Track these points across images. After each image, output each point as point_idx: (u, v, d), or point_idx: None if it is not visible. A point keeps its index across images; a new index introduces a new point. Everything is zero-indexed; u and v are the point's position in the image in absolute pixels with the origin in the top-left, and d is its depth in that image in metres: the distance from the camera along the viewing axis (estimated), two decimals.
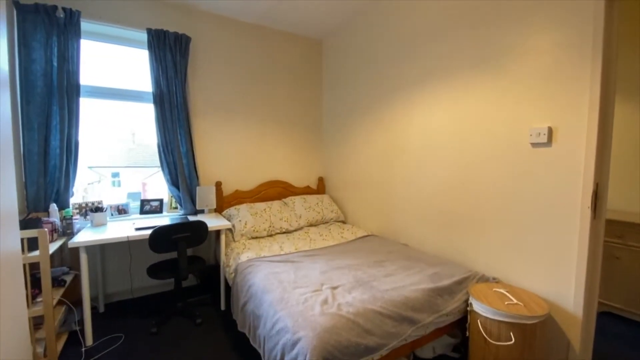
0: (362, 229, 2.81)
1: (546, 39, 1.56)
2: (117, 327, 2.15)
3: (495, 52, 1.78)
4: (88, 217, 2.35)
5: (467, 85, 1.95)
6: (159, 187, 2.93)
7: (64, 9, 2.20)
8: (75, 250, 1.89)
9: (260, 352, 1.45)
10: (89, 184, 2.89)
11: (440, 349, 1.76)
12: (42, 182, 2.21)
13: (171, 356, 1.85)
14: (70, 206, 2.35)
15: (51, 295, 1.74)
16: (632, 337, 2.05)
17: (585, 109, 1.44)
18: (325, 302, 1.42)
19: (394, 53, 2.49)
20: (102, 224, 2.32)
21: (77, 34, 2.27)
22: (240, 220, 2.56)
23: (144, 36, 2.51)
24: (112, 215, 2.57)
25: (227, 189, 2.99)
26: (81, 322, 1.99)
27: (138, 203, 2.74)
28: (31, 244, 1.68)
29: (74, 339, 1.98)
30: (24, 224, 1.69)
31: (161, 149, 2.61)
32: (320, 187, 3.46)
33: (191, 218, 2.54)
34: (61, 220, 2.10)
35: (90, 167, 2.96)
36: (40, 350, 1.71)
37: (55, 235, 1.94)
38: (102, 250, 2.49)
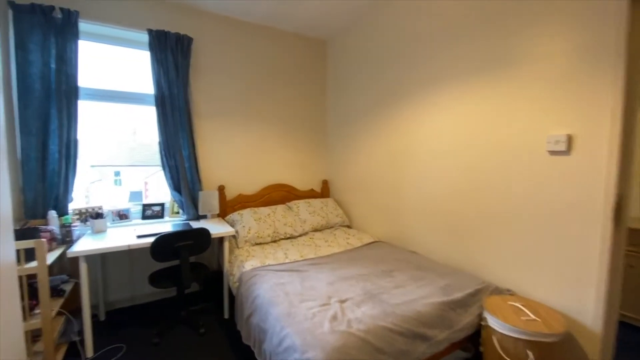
0: (368, 234, 2.75)
1: (563, 41, 1.48)
2: (118, 337, 2.10)
3: (509, 54, 1.70)
4: (88, 223, 2.30)
5: (479, 89, 1.88)
6: (160, 185, 2.88)
7: (61, 9, 2.13)
8: (75, 259, 1.83)
9: None
10: (91, 182, 2.85)
11: None
12: (41, 187, 2.15)
13: None
14: (70, 212, 2.29)
15: (49, 307, 1.68)
16: None
17: (607, 116, 1.37)
18: (334, 318, 1.36)
19: (402, 55, 2.42)
20: (103, 231, 2.27)
21: (75, 35, 2.21)
22: (243, 226, 2.50)
23: (144, 37, 2.44)
24: (112, 220, 2.51)
25: (230, 193, 2.93)
26: (81, 333, 1.93)
27: (139, 206, 2.68)
28: (29, 254, 1.62)
29: (74, 349, 1.93)
30: (21, 234, 1.63)
31: (163, 152, 2.55)
32: (324, 191, 3.40)
33: (194, 224, 2.48)
34: (60, 227, 2.03)
35: (92, 166, 2.91)
36: None
37: (54, 243, 1.88)
38: (102, 258, 2.44)
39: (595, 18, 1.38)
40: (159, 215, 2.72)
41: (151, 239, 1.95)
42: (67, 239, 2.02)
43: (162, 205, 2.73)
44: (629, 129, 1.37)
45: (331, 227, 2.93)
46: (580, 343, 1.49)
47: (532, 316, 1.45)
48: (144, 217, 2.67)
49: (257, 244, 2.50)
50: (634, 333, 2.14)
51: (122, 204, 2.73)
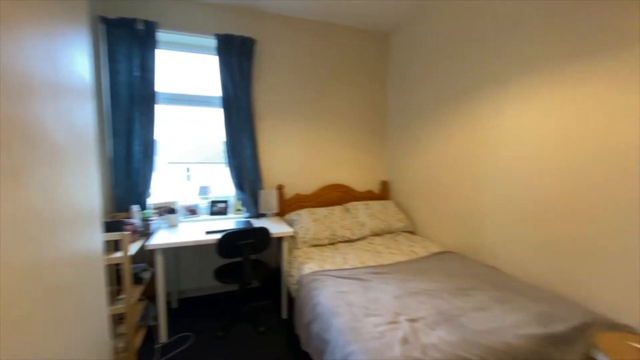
0: (436, 243, 2.49)
1: None
2: (187, 326, 2.23)
3: (621, 35, 1.33)
4: (163, 217, 2.49)
5: (579, 79, 1.52)
6: (223, 181, 2.96)
7: (143, 21, 2.32)
8: (152, 250, 1.99)
9: None
10: (167, 177, 3.12)
11: None
12: (126, 184, 2.39)
13: None
14: (149, 206, 2.52)
15: (131, 293, 1.84)
16: None
17: None
18: (405, 340, 1.21)
19: (477, 43, 2.11)
20: (175, 225, 2.44)
21: (154, 45, 2.39)
22: (301, 227, 2.46)
23: (212, 42, 2.55)
24: (184, 215, 2.69)
25: (288, 192, 2.93)
26: (157, 318, 2.10)
27: (207, 201, 2.83)
28: (115, 244, 1.79)
29: (150, 334, 2.10)
30: (110, 226, 1.81)
31: (229, 153, 2.64)
32: (383, 192, 3.21)
33: (254, 222, 2.53)
34: (141, 220, 2.23)
35: (169, 163, 3.17)
36: (121, 345, 1.82)
37: (135, 235, 2.06)
38: (175, 250, 2.63)
39: None
40: (224, 211, 2.84)
41: (217, 236, 2.02)
42: (146, 231, 2.21)
43: (226, 202, 2.85)
44: None
45: (392, 232, 2.74)
46: None
47: None
48: (211, 212, 2.82)
49: (314, 245, 2.44)
50: None
51: (192, 197, 2.93)
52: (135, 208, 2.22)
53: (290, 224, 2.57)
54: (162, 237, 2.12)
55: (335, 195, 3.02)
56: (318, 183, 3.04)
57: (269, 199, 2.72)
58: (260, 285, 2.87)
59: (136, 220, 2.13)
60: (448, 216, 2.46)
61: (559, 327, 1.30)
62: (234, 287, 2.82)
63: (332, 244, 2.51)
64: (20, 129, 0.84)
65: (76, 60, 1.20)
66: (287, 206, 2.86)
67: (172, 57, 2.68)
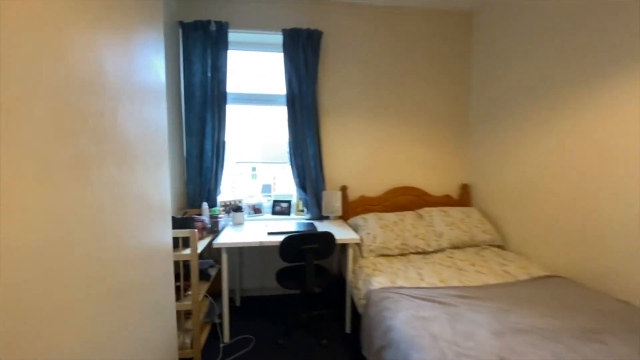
0: (536, 263, 2.01)
1: None
2: (249, 327, 2.20)
3: None
4: (230, 214, 2.52)
5: None
6: (285, 180, 2.93)
7: (215, 22, 2.36)
8: (219, 248, 2.00)
9: None
10: (236, 175, 3.19)
11: None
12: (198, 181, 2.48)
13: None
14: (218, 204, 2.58)
15: (198, 290, 1.85)
16: None
17: None
18: None
19: (593, 18, 1.60)
20: (240, 223, 2.44)
21: (225, 45, 2.42)
22: (368, 233, 2.23)
23: (278, 38, 2.49)
24: (249, 214, 2.70)
25: (352, 194, 2.72)
26: (221, 316, 2.10)
27: (270, 200, 2.81)
28: (184, 241, 1.82)
29: (214, 332, 2.11)
30: (180, 223, 1.84)
31: (291, 151, 2.56)
32: (464, 198, 2.77)
33: (317, 224, 2.39)
34: (210, 218, 2.27)
35: (237, 162, 3.26)
36: (188, 341, 1.84)
37: (204, 232, 2.09)
38: (240, 248, 2.65)
39: None
40: (286, 211, 2.78)
41: (279, 238, 1.92)
42: (214, 228, 2.24)
43: (289, 202, 2.78)
44: None
45: (476, 245, 2.32)
46: None
47: None
48: (274, 212, 2.78)
49: (382, 255, 2.19)
50: None
51: (257, 195, 2.93)
52: (205, 205, 2.27)
53: (355, 229, 2.36)
54: (228, 235, 2.11)
55: (406, 199, 2.71)
56: (386, 185, 2.77)
57: (332, 200, 2.56)
58: (322, 292, 2.72)
59: (205, 217, 2.17)
60: (552, 230, 1.96)
61: None
62: (296, 290, 2.73)
63: (402, 254, 2.22)
64: (91, 125, 0.80)
65: (152, 61, 1.19)
66: (351, 209, 2.66)
67: (239, 56, 2.71)
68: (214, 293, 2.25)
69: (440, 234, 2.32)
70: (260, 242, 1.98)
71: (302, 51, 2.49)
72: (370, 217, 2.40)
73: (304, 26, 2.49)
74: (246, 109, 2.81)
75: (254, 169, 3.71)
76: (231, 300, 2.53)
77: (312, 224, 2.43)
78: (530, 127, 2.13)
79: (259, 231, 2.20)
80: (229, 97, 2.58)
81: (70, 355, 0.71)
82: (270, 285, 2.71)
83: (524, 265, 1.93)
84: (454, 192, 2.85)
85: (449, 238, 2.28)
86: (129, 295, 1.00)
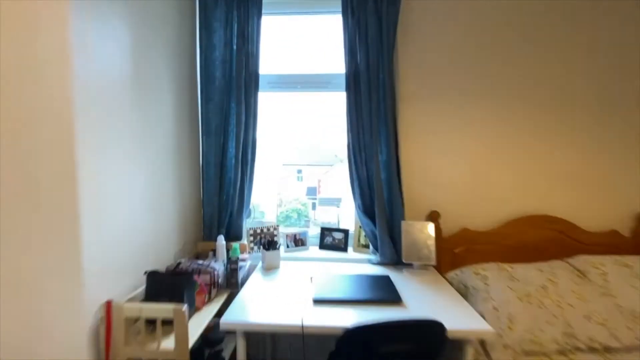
0: None
1: None
2: None
3: None
4: (260, 249, 1.73)
5: None
6: (332, 183, 2.60)
7: None
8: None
9: None
10: (280, 179, 2.70)
11: None
12: (217, 202, 1.72)
13: None
14: (244, 232, 1.81)
15: None
16: None
17: None
18: None
19: None
20: (275, 267, 1.62)
21: (259, 7, 1.66)
22: (496, 309, 1.23)
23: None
24: (287, 246, 1.88)
25: (448, 226, 1.73)
26: None
27: (316, 225, 1.97)
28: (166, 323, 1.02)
29: None
30: (167, 285, 1.05)
31: (352, 158, 1.68)
32: None
33: (393, 276, 1.46)
34: (225, 264, 1.47)
35: (284, 165, 2.82)
36: None
37: (213, 291, 1.30)
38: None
39: None
40: (341, 246, 1.90)
41: (334, 315, 1.04)
42: (232, 280, 1.43)
43: (345, 232, 1.90)
44: None
45: None
46: None
47: None
48: (322, 245, 1.93)
49: (528, 355, 1.17)
50: None
51: (301, 196, 2.51)
52: (220, 242, 1.49)
53: (463, 292, 1.37)
54: (252, 292, 1.29)
55: (540, 236, 1.65)
56: (504, 212, 1.73)
57: (418, 236, 1.60)
58: None
59: (218, 264, 1.37)
60: None
61: None
62: None
63: (563, 353, 1.18)
64: None
65: None
66: (446, 250, 1.67)
67: (277, 22, 1.92)
68: None
69: (633, 313, 1.23)
70: (302, 326, 1.09)
71: (374, 11, 1.60)
72: (493, 272, 1.39)
73: None
74: (286, 97, 2.01)
75: (299, 171, 3.24)
76: None
77: (388, 277, 1.48)
78: None
79: (299, 282, 1.36)
80: (265, 82, 1.81)
81: None
82: None
83: None
84: (624, 226, 1.69)
85: None
86: None
